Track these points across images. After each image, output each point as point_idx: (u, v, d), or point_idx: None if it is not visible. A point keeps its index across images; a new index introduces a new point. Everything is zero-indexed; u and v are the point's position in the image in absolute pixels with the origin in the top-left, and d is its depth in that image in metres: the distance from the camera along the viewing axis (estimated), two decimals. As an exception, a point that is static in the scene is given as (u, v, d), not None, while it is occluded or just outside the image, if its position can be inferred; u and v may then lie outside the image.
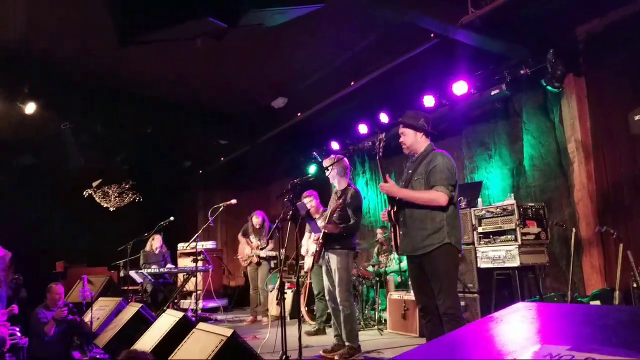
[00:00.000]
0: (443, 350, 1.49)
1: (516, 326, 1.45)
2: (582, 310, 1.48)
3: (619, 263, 4.36)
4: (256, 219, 7.76)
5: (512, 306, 1.61)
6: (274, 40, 5.78)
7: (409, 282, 6.46)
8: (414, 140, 3.70)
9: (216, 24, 3.06)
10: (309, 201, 5.92)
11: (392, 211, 3.66)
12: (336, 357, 4.67)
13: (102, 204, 10.96)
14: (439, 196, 3.39)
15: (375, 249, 7.63)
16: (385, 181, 3.62)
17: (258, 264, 7.64)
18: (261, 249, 7.50)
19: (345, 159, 5.06)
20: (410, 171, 3.71)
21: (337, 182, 5.05)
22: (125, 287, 8.02)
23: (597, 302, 4.98)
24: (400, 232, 3.63)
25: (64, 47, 5.99)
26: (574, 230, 5.24)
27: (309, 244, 6.21)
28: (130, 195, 11.20)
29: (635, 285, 4.24)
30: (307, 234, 6.38)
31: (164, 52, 5.85)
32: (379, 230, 7.81)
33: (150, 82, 6.97)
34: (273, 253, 7.49)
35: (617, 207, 5.46)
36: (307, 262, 6.25)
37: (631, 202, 5.30)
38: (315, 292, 6.38)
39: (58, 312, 5.15)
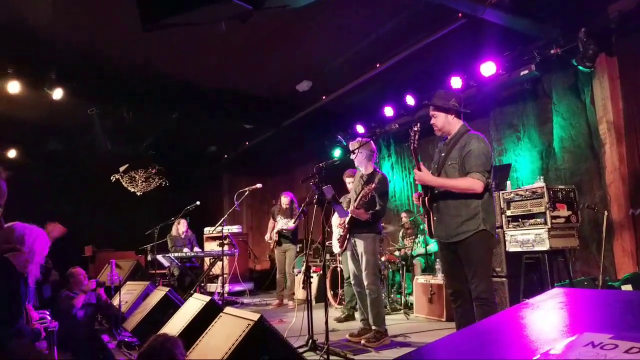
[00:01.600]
0: (477, 338, 1.46)
1: (553, 313, 1.41)
2: (622, 297, 1.43)
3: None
4: (284, 199, 7.80)
5: (548, 292, 1.57)
6: (299, 23, 5.72)
7: (435, 266, 6.48)
8: (445, 122, 3.59)
9: (241, 5, 3.02)
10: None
11: (426, 197, 3.61)
12: (363, 341, 4.67)
13: (129, 188, 11.16)
14: (474, 183, 3.31)
15: (401, 233, 7.59)
16: (420, 169, 3.53)
17: (279, 243, 7.67)
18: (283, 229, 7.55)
19: (372, 142, 4.99)
20: (443, 154, 3.61)
21: (363, 166, 4.99)
22: (153, 271, 8.16)
23: (629, 286, 4.87)
24: (434, 218, 3.59)
25: (89, 33, 6.02)
26: (605, 213, 5.12)
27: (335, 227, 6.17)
28: (156, 180, 11.37)
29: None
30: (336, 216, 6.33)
31: (188, 36, 5.84)
32: (404, 214, 7.76)
33: (175, 66, 6.98)
34: (290, 227, 7.55)
35: (650, 189, 5.31)
36: (336, 246, 6.23)
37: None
38: (346, 277, 6.33)
39: (87, 285, 5.25)
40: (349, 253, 4.96)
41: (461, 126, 3.59)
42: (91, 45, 6.32)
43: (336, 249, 6.05)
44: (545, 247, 4.87)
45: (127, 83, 7.34)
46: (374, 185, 4.53)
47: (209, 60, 6.82)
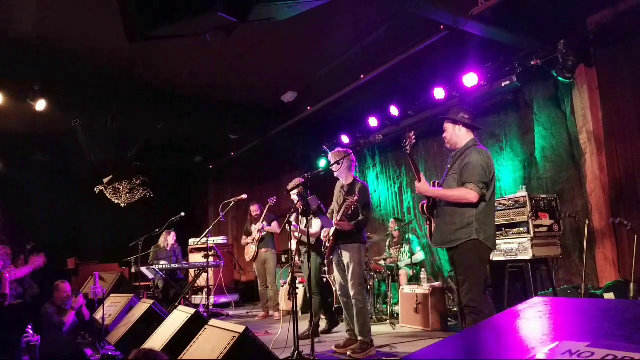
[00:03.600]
0: (460, 347, 1.48)
1: (534, 322, 1.43)
2: (600, 305, 1.46)
3: (634, 255, 4.32)
4: (253, 207, 7.89)
5: (529, 301, 1.59)
6: (283, 34, 5.75)
7: (421, 276, 6.50)
8: (452, 133, 3.78)
9: (226, 18, 3.04)
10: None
11: (426, 205, 3.82)
12: (349, 353, 4.66)
13: (113, 200, 11.05)
14: (467, 193, 3.46)
15: (387, 243, 7.62)
16: (419, 180, 3.72)
17: (255, 257, 7.62)
18: (258, 230, 7.49)
19: (352, 152, 5.05)
20: (449, 166, 3.80)
21: (343, 177, 5.02)
22: (137, 284, 8.07)
23: (611, 294, 4.94)
24: (434, 225, 3.78)
25: (73, 43, 5.99)
26: (587, 222, 5.20)
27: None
28: (141, 191, 11.27)
29: (650, 277, 4.19)
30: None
31: (174, 46, 5.84)
32: (391, 221, 7.80)
33: (160, 77, 6.97)
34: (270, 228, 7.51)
35: (630, 198, 5.39)
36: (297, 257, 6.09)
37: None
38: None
39: (74, 300, 5.17)
40: (334, 263, 4.95)
41: (470, 140, 3.75)
42: (76, 55, 6.29)
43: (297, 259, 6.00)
44: (528, 256, 4.92)
45: (111, 93, 7.29)
46: (356, 197, 4.56)
47: (193, 70, 6.82)
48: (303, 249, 5.74)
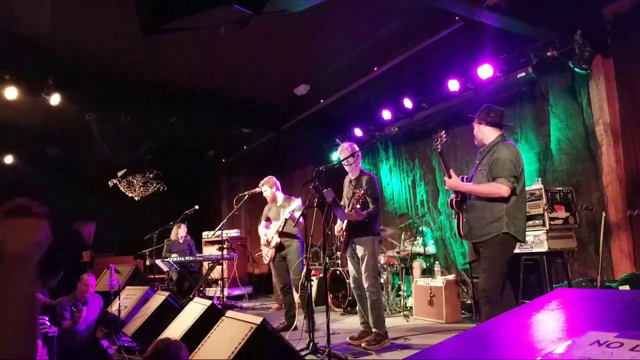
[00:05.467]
0: (482, 339, 1.48)
1: (557, 313, 1.42)
2: (625, 296, 1.45)
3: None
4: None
5: (550, 292, 1.59)
6: (297, 27, 5.74)
7: (434, 268, 6.50)
8: (478, 131, 3.88)
9: (241, 10, 3.05)
10: (265, 190, 5.97)
11: (455, 200, 3.87)
12: (363, 344, 4.68)
13: (127, 193, 11.14)
14: (498, 188, 3.53)
15: (403, 235, 7.60)
16: (450, 176, 3.79)
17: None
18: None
19: (355, 145, 5.10)
20: (477, 162, 3.87)
21: (351, 171, 5.06)
22: (152, 276, 8.15)
23: (627, 287, 4.90)
24: (464, 220, 3.82)
25: (87, 38, 6.02)
26: (603, 214, 5.15)
27: (269, 234, 5.95)
28: (154, 184, 11.35)
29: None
30: (263, 222, 6.10)
31: (186, 40, 5.85)
32: (398, 220, 7.79)
33: (173, 71, 6.99)
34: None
35: (647, 190, 5.34)
36: (268, 254, 5.96)
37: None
38: (280, 287, 5.98)
39: (71, 323, 5.11)
40: (348, 256, 4.96)
41: (497, 136, 3.81)
42: (89, 50, 6.32)
43: (267, 257, 5.96)
44: (543, 248, 4.90)
45: (125, 87, 7.33)
46: (362, 191, 4.57)
47: (207, 64, 6.83)
48: (285, 241, 5.80)
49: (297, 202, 5.75)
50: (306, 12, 4.16)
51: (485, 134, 3.83)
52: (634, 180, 5.50)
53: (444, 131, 3.87)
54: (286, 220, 5.73)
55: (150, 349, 2.60)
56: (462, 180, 3.83)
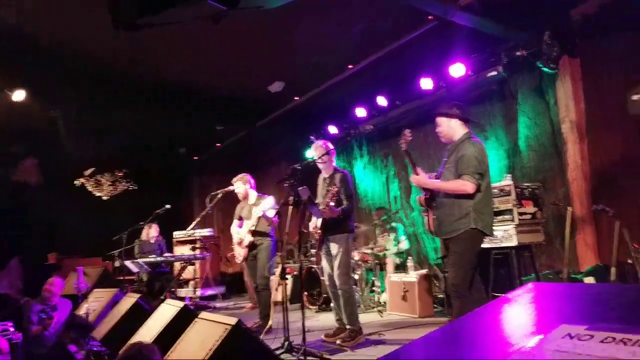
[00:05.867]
0: (457, 335, 1.50)
1: (530, 307, 1.47)
2: (594, 290, 1.50)
3: (615, 240, 4.43)
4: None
5: (524, 286, 1.63)
6: (272, 23, 5.70)
7: (407, 264, 6.57)
8: (447, 127, 3.87)
9: (216, 6, 3.01)
10: (238, 187, 5.89)
11: (425, 198, 3.93)
12: (338, 341, 4.70)
13: (94, 193, 10.87)
14: (464, 185, 3.59)
15: (377, 231, 7.66)
16: (417, 173, 3.84)
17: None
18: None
19: (329, 143, 5.10)
20: (445, 159, 3.90)
21: (325, 169, 5.07)
22: (121, 278, 7.99)
23: (591, 279, 5.06)
24: (434, 217, 3.87)
25: (54, 31, 5.84)
26: (569, 209, 5.30)
27: (242, 233, 5.86)
28: (123, 183, 11.12)
29: (630, 261, 4.31)
30: (236, 221, 6.03)
31: (158, 35, 5.73)
32: (375, 212, 7.84)
33: (144, 66, 6.84)
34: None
35: (610, 186, 5.52)
36: (240, 253, 5.90)
37: (623, 181, 5.36)
38: (254, 286, 6.01)
39: (40, 329, 4.97)
40: (323, 254, 4.98)
41: (464, 133, 3.84)
42: (57, 44, 6.13)
43: (240, 256, 5.92)
44: (513, 242, 5.02)
45: (93, 83, 7.15)
46: (336, 188, 4.59)
47: (179, 59, 6.71)
48: (257, 240, 5.73)
49: (269, 200, 5.72)
50: (281, 9, 4.15)
51: (455, 129, 3.84)
52: (598, 176, 5.67)
53: (408, 130, 3.89)
54: (259, 218, 5.68)
55: (121, 353, 2.55)
56: (430, 178, 3.89)
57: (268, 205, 5.65)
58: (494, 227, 5.08)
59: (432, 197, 3.87)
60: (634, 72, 5.13)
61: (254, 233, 5.72)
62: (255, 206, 5.78)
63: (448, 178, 3.74)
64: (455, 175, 3.67)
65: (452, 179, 3.70)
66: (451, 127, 3.85)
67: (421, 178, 3.83)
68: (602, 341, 1.08)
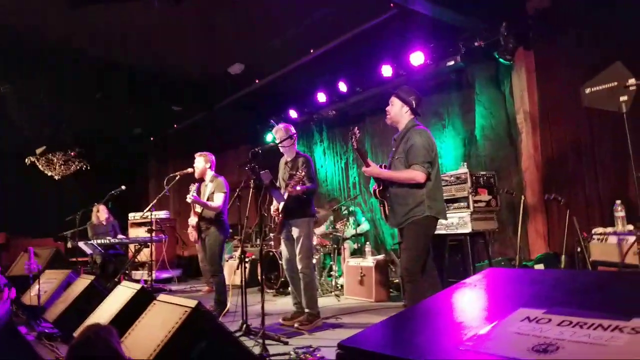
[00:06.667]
0: (420, 317, 1.55)
1: (490, 291, 1.52)
2: (551, 275, 1.57)
3: (566, 228, 4.63)
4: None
5: (482, 272, 1.69)
6: (233, 5, 5.61)
7: (365, 248, 6.67)
8: (398, 112, 3.91)
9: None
10: (198, 162, 5.60)
11: (377, 190, 3.95)
12: (296, 324, 4.74)
13: (46, 172, 10.48)
14: (415, 175, 3.64)
15: (332, 217, 7.73)
16: (368, 165, 3.83)
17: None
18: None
19: (292, 127, 5.07)
20: (394, 149, 3.92)
21: (288, 153, 5.06)
22: (74, 259, 7.78)
23: (541, 265, 5.28)
24: (388, 207, 3.91)
25: (6, 6, 5.55)
26: (522, 197, 5.49)
27: (192, 220, 5.56)
28: (76, 163, 10.76)
29: (579, 249, 4.51)
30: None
31: (114, 13, 5.55)
32: (329, 204, 7.92)
33: (100, 44, 6.60)
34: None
35: (561, 176, 5.74)
36: (193, 233, 5.59)
37: (574, 171, 5.59)
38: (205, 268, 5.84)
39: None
40: (283, 238, 4.98)
41: (409, 121, 3.88)
42: (6, 20, 5.83)
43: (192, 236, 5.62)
44: (467, 229, 5.17)
45: (46, 60, 6.84)
46: (302, 173, 4.60)
47: (136, 38, 6.51)
48: (204, 225, 5.45)
49: (218, 181, 5.49)
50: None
51: (404, 117, 3.89)
52: (550, 166, 5.89)
53: (357, 127, 3.87)
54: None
55: (78, 336, 2.49)
56: (382, 168, 3.91)
57: (214, 187, 5.43)
58: (448, 214, 5.31)
59: (385, 188, 3.91)
60: (583, 65, 5.33)
61: (200, 217, 5.46)
62: (207, 187, 5.59)
63: (399, 168, 3.79)
64: (406, 165, 3.72)
65: (402, 168, 3.75)
66: (400, 113, 3.90)
67: (373, 169, 3.84)
68: (559, 324, 1.14)
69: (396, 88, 4.09)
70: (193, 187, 5.45)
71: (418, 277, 3.64)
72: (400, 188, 3.76)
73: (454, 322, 1.42)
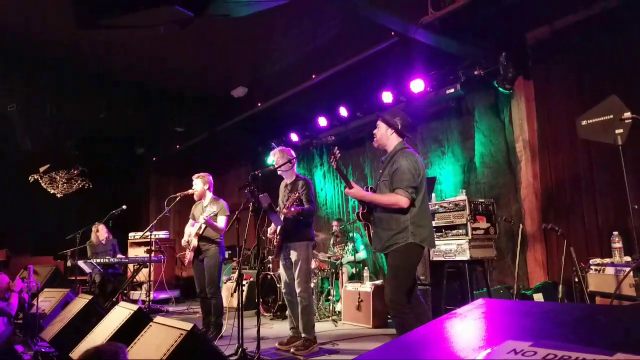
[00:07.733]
0: (406, 349, 1.55)
1: (478, 322, 1.54)
2: (541, 307, 1.59)
3: (563, 258, 4.63)
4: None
5: (473, 302, 1.70)
6: (238, 29, 5.72)
7: (363, 274, 6.65)
8: (384, 134, 3.81)
9: (183, 12, 3.00)
10: (196, 184, 5.71)
11: (361, 212, 3.85)
12: (292, 350, 4.71)
13: (48, 190, 10.53)
14: (398, 200, 3.51)
15: (332, 241, 7.73)
16: (350, 187, 3.72)
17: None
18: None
19: (291, 150, 5.12)
20: (380, 171, 3.83)
21: (287, 176, 5.10)
22: (73, 278, 7.77)
23: (540, 295, 5.25)
24: (372, 231, 3.83)
25: (15, 23, 5.66)
26: (521, 225, 5.50)
27: (189, 235, 5.67)
28: (79, 181, 10.81)
29: (577, 279, 4.50)
30: (191, 221, 5.80)
31: (121, 32, 5.65)
32: (334, 222, 7.92)
33: (106, 64, 6.72)
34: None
35: (560, 204, 5.75)
36: (187, 255, 5.68)
37: (573, 200, 5.60)
38: (198, 291, 5.75)
39: (12, 284, 4.87)
40: (281, 261, 4.99)
41: (398, 143, 3.77)
42: (18, 36, 5.93)
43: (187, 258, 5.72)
44: (466, 257, 5.16)
45: (53, 79, 6.95)
46: (298, 193, 4.63)
47: (141, 58, 6.63)
48: (203, 246, 5.51)
49: (220, 205, 5.59)
50: (249, 17, 4.17)
51: (391, 140, 3.79)
52: (549, 194, 5.91)
53: (336, 148, 3.79)
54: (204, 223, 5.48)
55: (91, 349, 2.49)
56: (366, 190, 3.81)
57: (217, 210, 5.52)
58: (446, 240, 5.32)
59: (369, 211, 3.80)
60: (582, 95, 5.40)
61: (200, 237, 5.51)
62: (207, 208, 5.66)
63: (383, 191, 3.66)
64: (391, 189, 3.60)
65: (387, 192, 3.62)
66: (386, 136, 3.80)
67: (355, 191, 3.72)
68: (544, 357, 1.16)
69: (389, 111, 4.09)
70: (208, 209, 5.56)
71: (405, 309, 3.48)
72: (384, 212, 3.64)
73: (441, 353, 1.43)
